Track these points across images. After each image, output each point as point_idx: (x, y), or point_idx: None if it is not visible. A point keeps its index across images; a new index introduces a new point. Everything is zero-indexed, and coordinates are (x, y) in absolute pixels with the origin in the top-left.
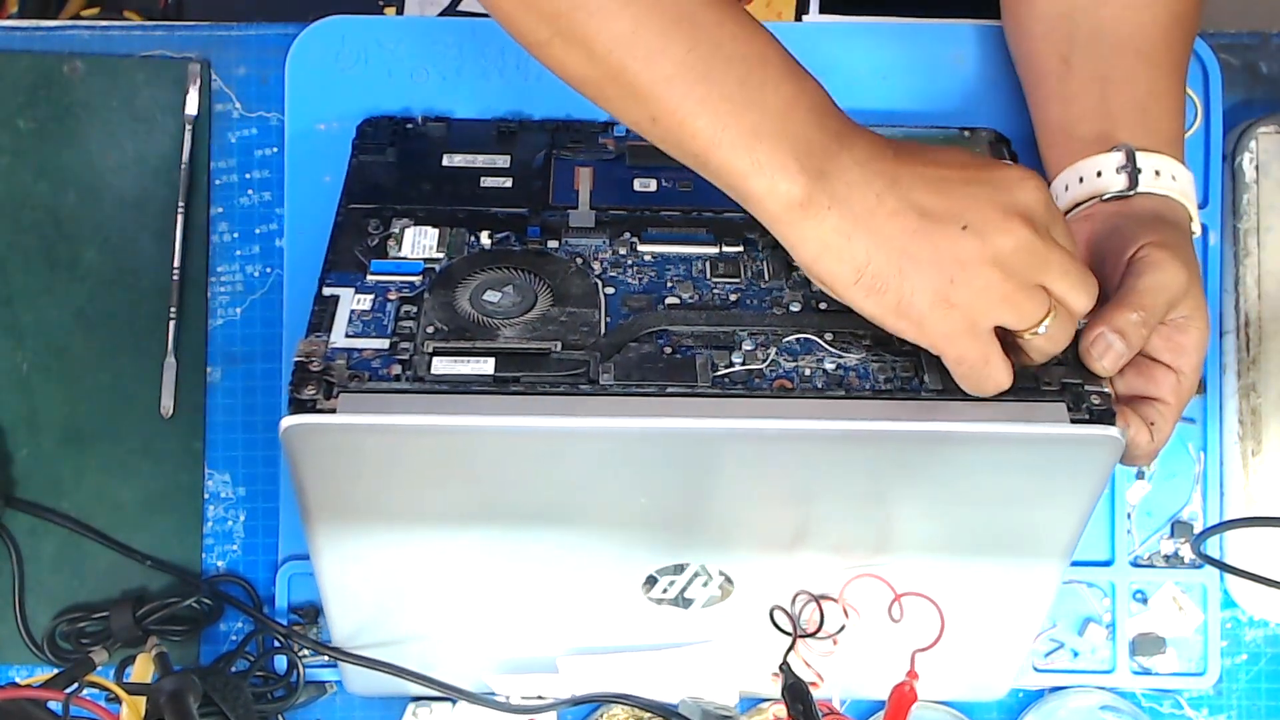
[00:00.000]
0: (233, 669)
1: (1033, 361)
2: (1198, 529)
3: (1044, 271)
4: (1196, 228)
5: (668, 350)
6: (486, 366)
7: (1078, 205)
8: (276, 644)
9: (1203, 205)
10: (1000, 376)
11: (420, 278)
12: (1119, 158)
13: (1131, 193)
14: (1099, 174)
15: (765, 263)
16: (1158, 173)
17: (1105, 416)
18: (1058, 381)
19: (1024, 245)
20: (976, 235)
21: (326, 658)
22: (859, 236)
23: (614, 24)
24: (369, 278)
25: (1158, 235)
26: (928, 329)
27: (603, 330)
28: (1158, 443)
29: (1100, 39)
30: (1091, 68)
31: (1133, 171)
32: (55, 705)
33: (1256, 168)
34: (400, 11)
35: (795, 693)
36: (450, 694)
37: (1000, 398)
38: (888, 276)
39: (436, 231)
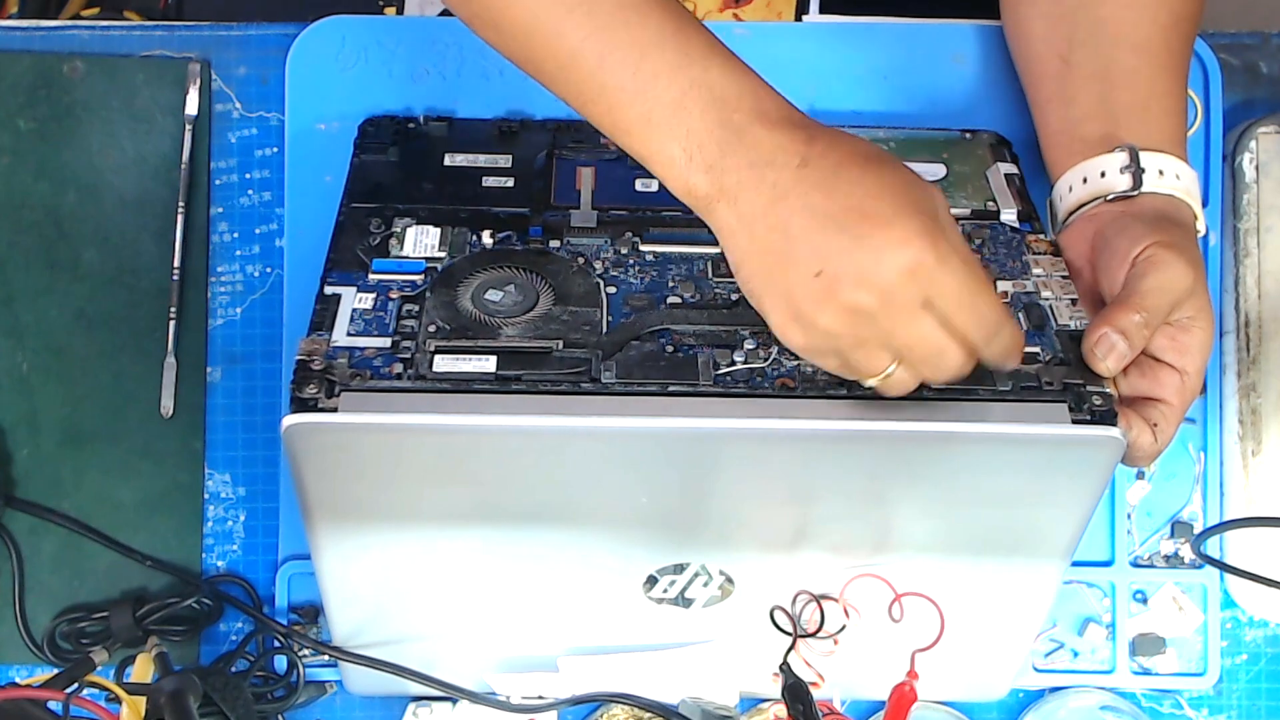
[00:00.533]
0: (233, 669)
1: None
2: (1198, 529)
3: (884, 342)
4: (1201, 226)
5: (669, 349)
6: (488, 365)
7: (1082, 206)
8: (276, 644)
9: (1203, 205)
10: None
11: (422, 277)
12: (1122, 158)
13: (1136, 193)
14: (1103, 174)
15: None
16: (1161, 172)
17: (1107, 417)
18: (1059, 382)
19: (864, 313)
20: (825, 285)
21: (326, 657)
22: (741, 235)
23: (515, 12)
24: (371, 276)
25: (1164, 235)
26: (784, 338)
27: (604, 329)
28: (1161, 444)
29: (1100, 38)
30: (1092, 67)
31: (1136, 171)
32: (55, 705)
33: (1256, 168)
34: (400, 11)
35: (795, 693)
36: (451, 693)
37: (1002, 398)
38: (754, 283)
39: (438, 231)
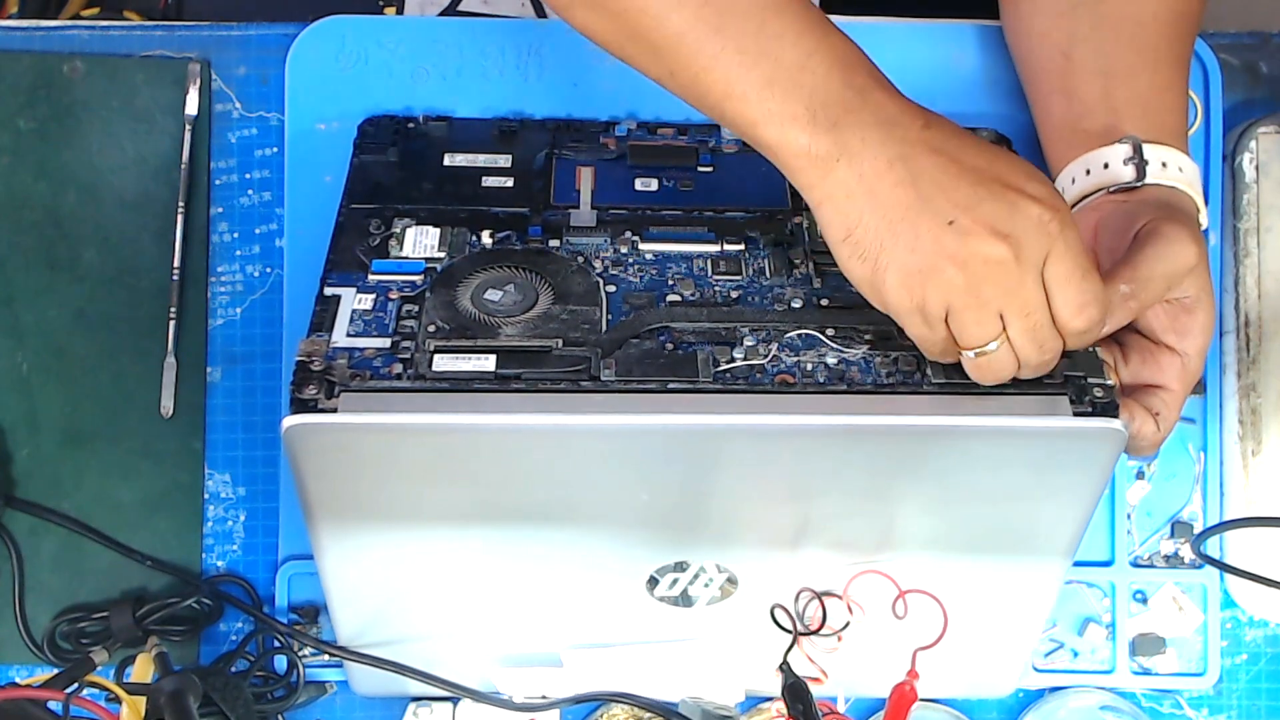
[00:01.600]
0: (233, 669)
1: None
2: (1198, 529)
3: (1005, 301)
4: (1204, 219)
5: (669, 347)
6: (488, 364)
7: (1085, 197)
8: (277, 644)
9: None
10: (953, 359)
11: (421, 277)
12: (1126, 150)
13: (1139, 184)
14: (1106, 166)
15: (766, 260)
16: (1164, 164)
17: (1108, 409)
18: (1060, 374)
19: (994, 264)
20: (958, 235)
21: (326, 657)
22: (859, 197)
23: None
24: (370, 277)
25: (1167, 214)
26: (890, 303)
27: (604, 328)
28: (1164, 432)
29: (1102, 33)
30: (1094, 63)
31: (1140, 163)
32: (55, 705)
33: (1256, 168)
34: (400, 11)
35: (795, 692)
36: (454, 692)
37: (1003, 390)
38: (870, 243)
39: (438, 231)
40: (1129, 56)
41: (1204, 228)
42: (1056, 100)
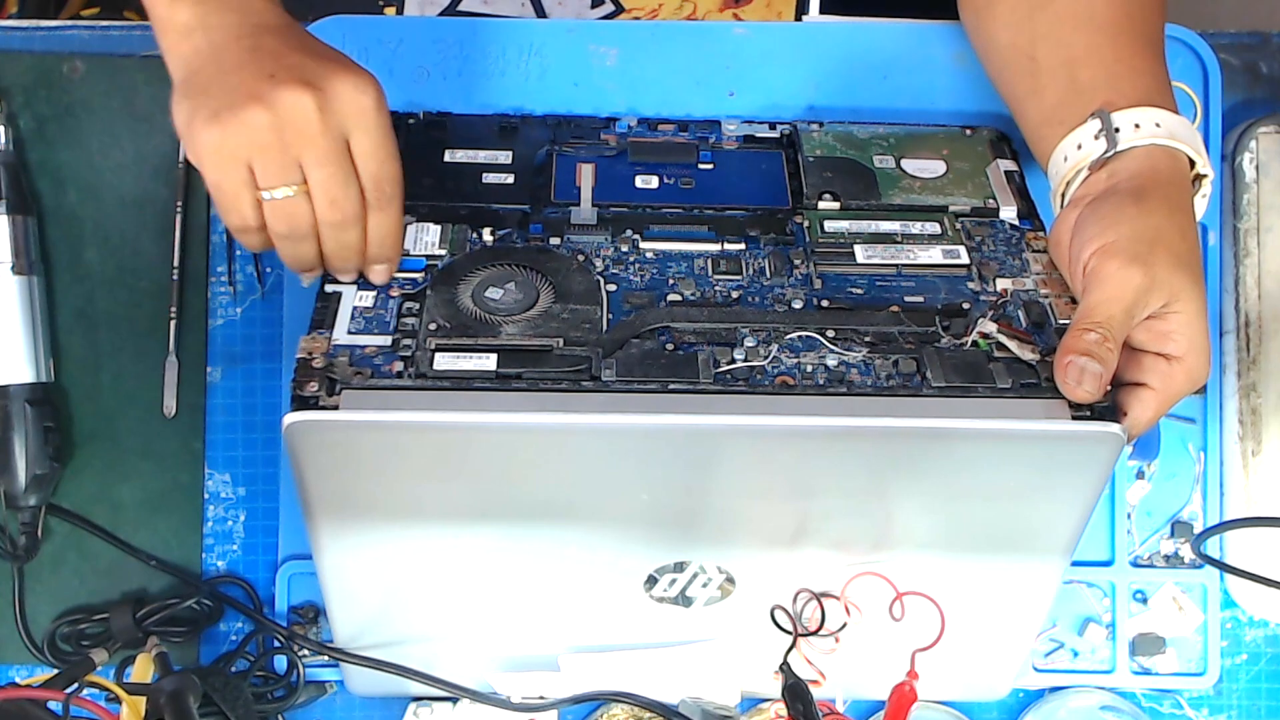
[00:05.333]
0: (233, 669)
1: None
2: (1198, 529)
3: (304, 148)
4: (1204, 168)
5: (669, 347)
6: (489, 363)
7: (1068, 184)
8: (276, 644)
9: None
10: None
11: (422, 274)
12: (1095, 124)
13: (1112, 153)
14: (1079, 146)
15: (767, 260)
16: (1137, 125)
17: (1107, 413)
18: None
19: (299, 109)
20: (273, 83)
21: (326, 658)
22: (206, 57)
23: None
24: None
25: (1111, 232)
26: (199, 143)
27: (604, 327)
28: (1133, 430)
29: (1060, 29)
30: (1057, 58)
31: (1110, 132)
32: (55, 705)
33: (1256, 168)
34: (400, 11)
35: (795, 693)
36: (452, 692)
37: (1002, 394)
38: (198, 88)
39: (439, 228)
40: (1088, 41)
41: (1210, 176)
42: (1030, 104)
